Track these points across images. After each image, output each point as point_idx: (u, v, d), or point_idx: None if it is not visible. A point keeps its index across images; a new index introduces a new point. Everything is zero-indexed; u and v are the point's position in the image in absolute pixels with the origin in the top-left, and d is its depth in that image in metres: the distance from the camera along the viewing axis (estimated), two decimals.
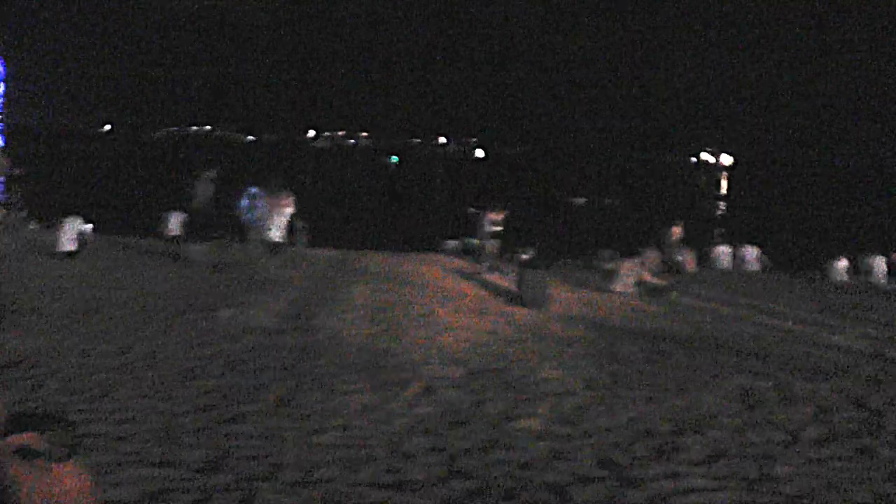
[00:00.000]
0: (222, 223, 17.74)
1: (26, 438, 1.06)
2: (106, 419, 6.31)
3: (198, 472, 5.33)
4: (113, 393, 7.07)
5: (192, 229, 17.55)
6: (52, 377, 7.43)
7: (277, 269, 12.86)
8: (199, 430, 6.21)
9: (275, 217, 12.54)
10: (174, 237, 19.70)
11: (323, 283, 13.66)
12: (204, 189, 17.81)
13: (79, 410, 6.42)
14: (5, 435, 0.96)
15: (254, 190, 12.20)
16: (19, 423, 1.00)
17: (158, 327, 9.87)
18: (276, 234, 12.68)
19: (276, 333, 9.81)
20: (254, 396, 7.18)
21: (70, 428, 0.91)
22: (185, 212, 18.76)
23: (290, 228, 12.80)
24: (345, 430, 6.37)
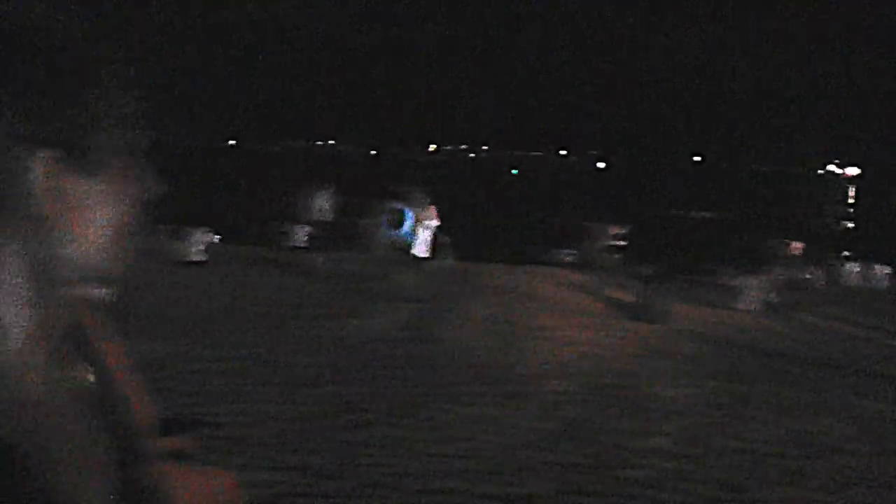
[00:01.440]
0: (345, 235, 18.04)
1: (178, 442, 1.12)
2: (231, 423, 6.47)
3: (322, 476, 5.44)
4: (239, 398, 7.26)
5: (316, 240, 17.89)
6: (178, 382, 7.66)
7: (418, 283, 12.72)
8: (323, 436, 6.33)
9: (421, 231, 12.15)
10: (298, 248, 20.12)
11: (443, 296, 13.76)
12: (327, 201, 18.17)
13: (204, 414, 6.60)
14: (158, 438, 1.02)
15: (399, 206, 11.83)
16: (169, 426, 1.06)
17: (283, 335, 10.09)
18: (422, 248, 12.36)
19: (399, 343, 9.91)
20: (376, 405, 7.28)
21: (219, 432, 0.95)
22: (309, 224, 19.14)
23: (434, 242, 12.46)
24: (467, 441, 6.41)
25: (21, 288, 0.79)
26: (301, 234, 20.43)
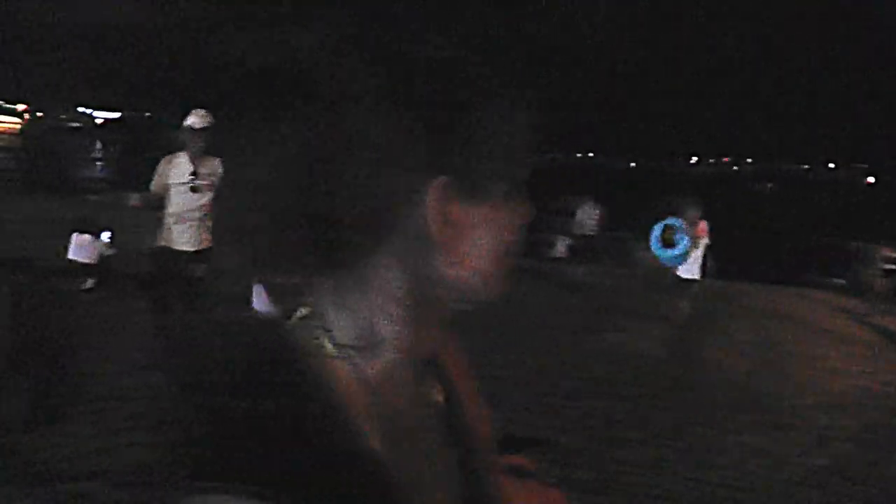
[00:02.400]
0: (607, 248, 18.01)
1: (519, 459, 1.23)
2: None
3: (587, 491, 5.55)
4: (499, 405, 7.39)
5: (577, 253, 17.98)
6: None
7: (681, 302, 12.26)
8: (583, 450, 6.42)
9: (692, 249, 11.31)
10: (559, 260, 20.26)
11: (707, 316, 13.42)
12: (588, 214, 18.24)
13: None
14: (498, 454, 1.12)
15: (673, 223, 11.16)
16: (508, 443, 1.16)
17: (543, 347, 10.26)
18: (690, 266, 11.63)
19: (659, 363, 9.82)
20: (638, 423, 7.30)
21: (557, 451, 1.05)
22: (571, 236, 19.27)
23: (704, 261, 11.72)
24: (732, 469, 6.32)
25: (401, 306, 0.86)
26: (562, 246, 20.58)
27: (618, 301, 14.26)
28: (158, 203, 7.18)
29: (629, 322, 12.35)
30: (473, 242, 0.85)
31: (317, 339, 0.85)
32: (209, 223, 7.04)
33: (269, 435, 0.75)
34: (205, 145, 6.98)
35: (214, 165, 7.02)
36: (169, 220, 7.15)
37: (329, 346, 0.84)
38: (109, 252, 11.17)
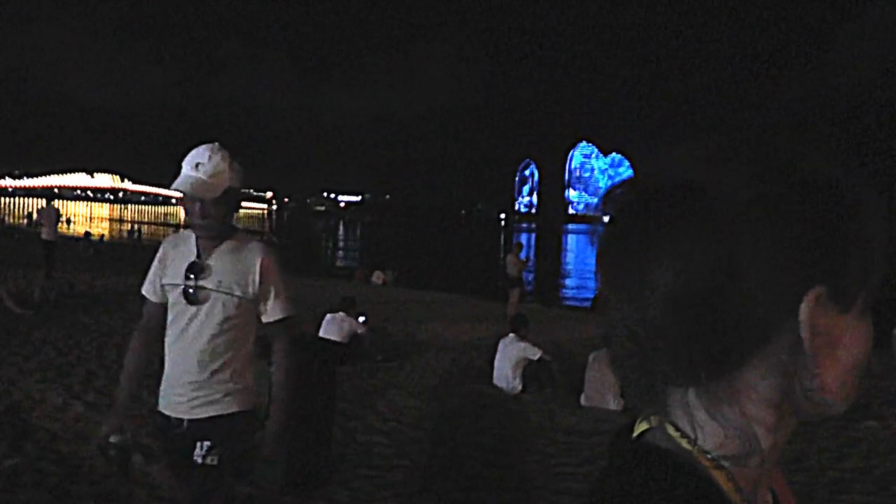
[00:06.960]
0: None
1: None
2: None
3: None
4: None
5: None
6: None
7: None
8: None
9: None
10: None
11: None
12: None
13: None
14: None
15: None
16: None
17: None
18: None
19: None
20: None
21: None
22: None
23: None
24: None
25: (775, 416, 0.85)
26: None
27: None
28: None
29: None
30: (843, 353, 0.83)
31: (687, 448, 0.84)
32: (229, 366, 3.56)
33: None
34: (216, 225, 3.57)
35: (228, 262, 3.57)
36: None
37: (701, 454, 0.83)
38: (362, 331, 11.70)
